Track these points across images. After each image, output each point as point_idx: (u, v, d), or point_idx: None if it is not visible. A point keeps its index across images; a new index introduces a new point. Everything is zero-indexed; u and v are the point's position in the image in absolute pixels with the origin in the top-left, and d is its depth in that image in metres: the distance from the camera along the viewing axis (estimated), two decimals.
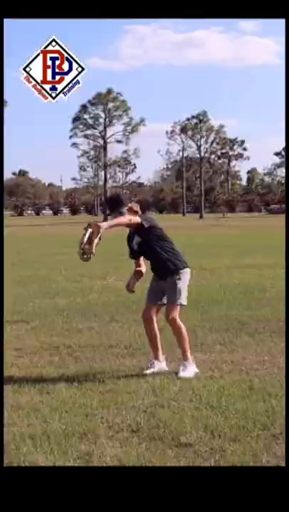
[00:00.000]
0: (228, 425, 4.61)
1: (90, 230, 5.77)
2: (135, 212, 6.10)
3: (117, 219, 5.98)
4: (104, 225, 5.84)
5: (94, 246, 5.78)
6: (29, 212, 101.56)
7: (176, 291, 6.02)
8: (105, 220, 70.06)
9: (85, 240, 5.78)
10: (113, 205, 6.18)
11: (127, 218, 5.97)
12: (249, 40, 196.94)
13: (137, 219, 5.99)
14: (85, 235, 5.78)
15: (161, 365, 6.14)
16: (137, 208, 6.15)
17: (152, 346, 6.25)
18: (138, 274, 6.30)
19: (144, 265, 6.33)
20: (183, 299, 6.07)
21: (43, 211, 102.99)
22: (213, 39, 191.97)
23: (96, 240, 5.78)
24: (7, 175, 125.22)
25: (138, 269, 6.30)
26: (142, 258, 6.30)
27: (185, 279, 6.11)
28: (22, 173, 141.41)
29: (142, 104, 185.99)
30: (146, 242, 6.09)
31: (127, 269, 15.34)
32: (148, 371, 6.03)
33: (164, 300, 6.14)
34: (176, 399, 5.25)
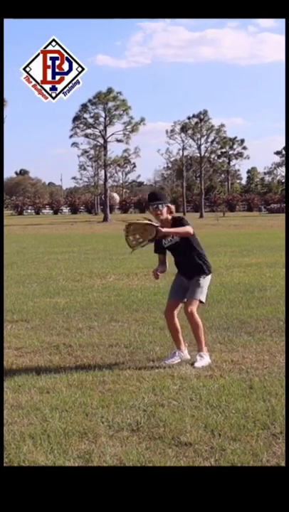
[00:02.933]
0: (228, 424, 4.62)
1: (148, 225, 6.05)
2: (171, 213, 6.45)
3: (182, 229, 6.29)
4: (164, 230, 6.17)
5: (139, 244, 6.14)
6: (29, 211, 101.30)
7: (199, 288, 6.41)
8: (105, 219, 69.10)
9: (137, 235, 6.10)
10: (153, 198, 6.47)
11: (189, 229, 6.29)
12: (266, 36, 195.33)
13: (191, 230, 6.33)
14: (140, 230, 6.07)
15: (183, 354, 6.51)
16: (172, 208, 6.48)
17: (175, 339, 6.62)
18: (163, 267, 6.59)
19: (166, 263, 6.61)
20: (203, 296, 6.45)
21: (43, 210, 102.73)
22: (227, 36, 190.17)
23: (145, 242, 6.14)
24: (7, 174, 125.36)
25: (162, 265, 6.60)
26: (165, 256, 6.64)
27: (207, 280, 6.52)
28: (22, 173, 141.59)
29: (148, 102, 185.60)
30: (185, 247, 6.43)
31: (126, 269, 15.43)
32: (172, 361, 6.35)
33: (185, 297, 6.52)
34: (176, 398, 5.25)
